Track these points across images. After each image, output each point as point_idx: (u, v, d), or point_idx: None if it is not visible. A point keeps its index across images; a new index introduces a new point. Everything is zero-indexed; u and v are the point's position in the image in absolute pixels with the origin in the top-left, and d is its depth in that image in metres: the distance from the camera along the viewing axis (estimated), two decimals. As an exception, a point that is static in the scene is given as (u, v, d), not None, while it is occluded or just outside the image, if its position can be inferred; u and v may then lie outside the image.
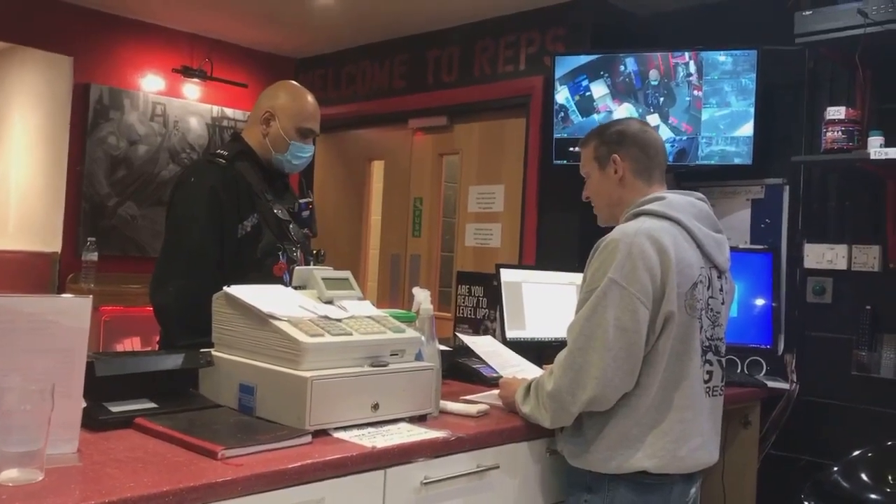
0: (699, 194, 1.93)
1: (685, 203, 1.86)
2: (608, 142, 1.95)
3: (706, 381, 1.84)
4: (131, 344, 4.21)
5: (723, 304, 1.90)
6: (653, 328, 1.74)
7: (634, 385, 1.75)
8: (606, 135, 1.96)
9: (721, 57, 3.41)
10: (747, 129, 3.37)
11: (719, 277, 1.89)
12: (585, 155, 2.00)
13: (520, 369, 2.22)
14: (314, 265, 2.34)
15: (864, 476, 2.51)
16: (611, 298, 1.71)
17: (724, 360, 1.91)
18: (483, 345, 2.38)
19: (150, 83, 4.76)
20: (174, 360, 1.76)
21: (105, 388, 1.58)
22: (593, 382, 1.70)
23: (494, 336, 2.80)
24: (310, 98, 2.37)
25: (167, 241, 2.28)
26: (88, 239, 4.35)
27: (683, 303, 1.77)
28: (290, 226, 2.32)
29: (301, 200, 2.41)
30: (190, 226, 2.19)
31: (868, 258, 3.11)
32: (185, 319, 2.10)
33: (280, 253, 2.26)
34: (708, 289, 1.84)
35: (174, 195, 2.29)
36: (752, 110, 3.36)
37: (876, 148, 2.81)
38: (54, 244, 4.44)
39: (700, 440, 1.81)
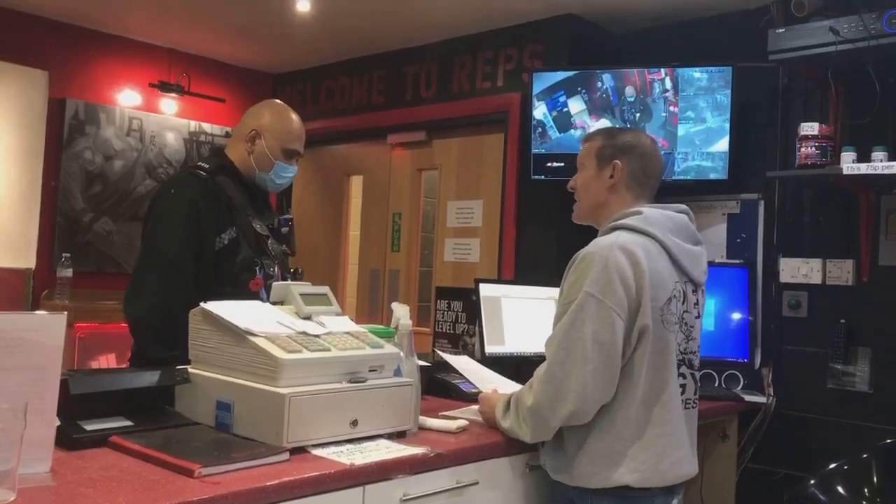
0: (682, 206, 1.95)
1: (662, 217, 1.88)
2: (617, 146, 1.95)
3: (680, 395, 1.85)
4: (106, 361, 4.16)
5: (697, 317, 1.92)
6: (628, 341, 1.76)
7: (615, 399, 1.76)
8: (617, 139, 1.97)
9: (696, 73, 3.45)
10: (723, 145, 3.41)
11: (694, 291, 1.91)
12: (588, 148, 2.00)
13: (497, 385, 2.22)
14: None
15: (840, 489, 2.53)
16: (588, 312, 1.73)
17: (697, 373, 1.92)
18: (459, 362, 2.38)
19: (127, 98, 4.73)
20: (150, 378, 1.74)
21: (79, 406, 1.56)
22: (573, 396, 1.71)
23: (473, 351, 2.80)
24: (296, 119, 2.38)
25: (144, 251, 2.26)
26: (63, 255, 4.30)
27: (659, 317, 1.78)
28: (269, 241, 2.31)
29: (281, 217, 2.41)
30: (168, 237, 2.18)
31: (842, 272, 3.15)
32: (159, 331, 2.08)
33: (257, 268, 2.25)
34: (682, 303, 1.85)
35: (154, 205, 2.28)
36: (727, 126, 3.40)
37: (848, 164, 2.85)
38: (28, 260, 4.38)
39: (681, 453, 1.83)
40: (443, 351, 2.86)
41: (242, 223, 2.26)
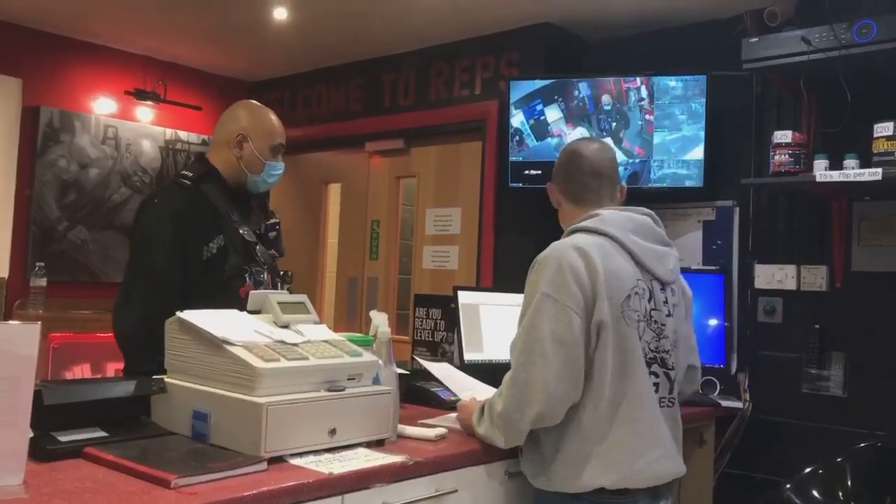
0: (644, 209, 1.96)
1: (620, 218, 1.89)
2: (552, 173, 2.05)
3: (654, 393, 1.84)
4: (81, 371, 4.11)
5: (668, 315, 1.90)
6: (588, 338, 1.77)
7: (581, 400, 1.77)
8: (554, 166, 2.06)
9: (672, 82, 3.49)
10: (698, 153, 3.45)
11: (663, 290, 1.90)
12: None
13: (476, 391, 2.22)
14: (282, 286, 2.34)
15: (815, 493, 2.55)
16: (545, 312, 1.75)
17: (671, 371, 1.89)
18: (439, 369, 2.38)
19: (102, 106, 4.69)
20: (125, 388, 1.72)
21: (53, 417, 1.54)
22: (539, 398, 1.72)
23: (452, 358, 2.80)
24: (273, 115, 2.40)
25: (130, 264, 2.26)
26: (37, 264, 4.25)
27: (619, 313, 1.79)
28: (257, 247, 2.31)
29: (268, 222, 2.41)
30: (153, 249, 2.18)
31: (816, 278, 3.19)
32: (146, 344, 2.07)
33: (247, 275, 2.25)
34: (649, 301, 1.85)
35: (138, 217, 2.29)
36: (702, 134, 3.44)
37: (821, 171, 2.89)
38: (1, 269, 4.32)
39: (660, 451, 1.82)
40: (421, 358, 2.86)
41: (229, 231, 2.25)
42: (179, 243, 2.16)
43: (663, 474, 1.84)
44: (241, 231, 2.28)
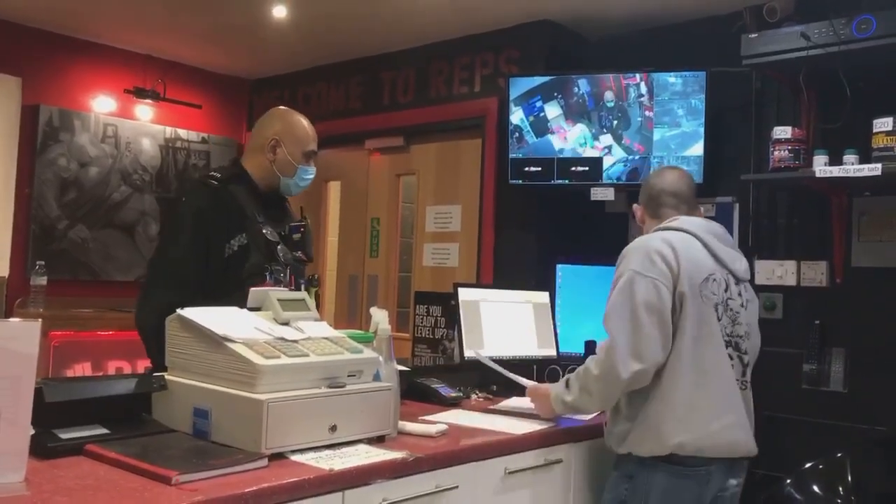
0: (717, 223, 2.19)
1: (698, 221, 2.14)
2: (639, 196, 2.30)
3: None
4: (82, 370, 4.12)
5: (742, 306, 2.10)
6: (673, 307, 1.96)
7: (664, 368, 1.92)
8: (640, 191, 2.32)
9: (671, 78, 3.49)
10: (697, 149, 3.45)
11: (737, 283, 2.11)
12: None
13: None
14: (307, 289, 2.35)
15: (815, 488, 2.56)
16: (637, 286, 1.96)
17: (745, 356, 2.09)
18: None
19: (102, 104, 4.69)
20: (126, 385, 1.73)
21: (54, 415, 1.54)
22: (635, 358, 1.91)
23: (452, 356, 2.80)
24: (307, 121, 2.45)
25: (153, 259, 2.36)
26: (37, 262, 4.25)
27: (698, 291, 1.99)
28: (279, 247, 2.32)
29: (292, 223, 2.43)
30: (174, 245, 2.25)
31: (816, 274, 3.19)
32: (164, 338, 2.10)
33: (267, 274, 2.27)
34: (726, 290, 2.06)
35: (165, 215, 2.33)
36: (701, 130, 3.44)
37: (821, 166, 2.89)
38: (2, 268, 4.33)
39: (734, 418, 1.99)
40: (422, 355, 2.86)
41: (253, 230, 2.28)
42: (201, 240, 2.21)
43: (737, 443, 2.00)
44: (264, 231, 2.30)
